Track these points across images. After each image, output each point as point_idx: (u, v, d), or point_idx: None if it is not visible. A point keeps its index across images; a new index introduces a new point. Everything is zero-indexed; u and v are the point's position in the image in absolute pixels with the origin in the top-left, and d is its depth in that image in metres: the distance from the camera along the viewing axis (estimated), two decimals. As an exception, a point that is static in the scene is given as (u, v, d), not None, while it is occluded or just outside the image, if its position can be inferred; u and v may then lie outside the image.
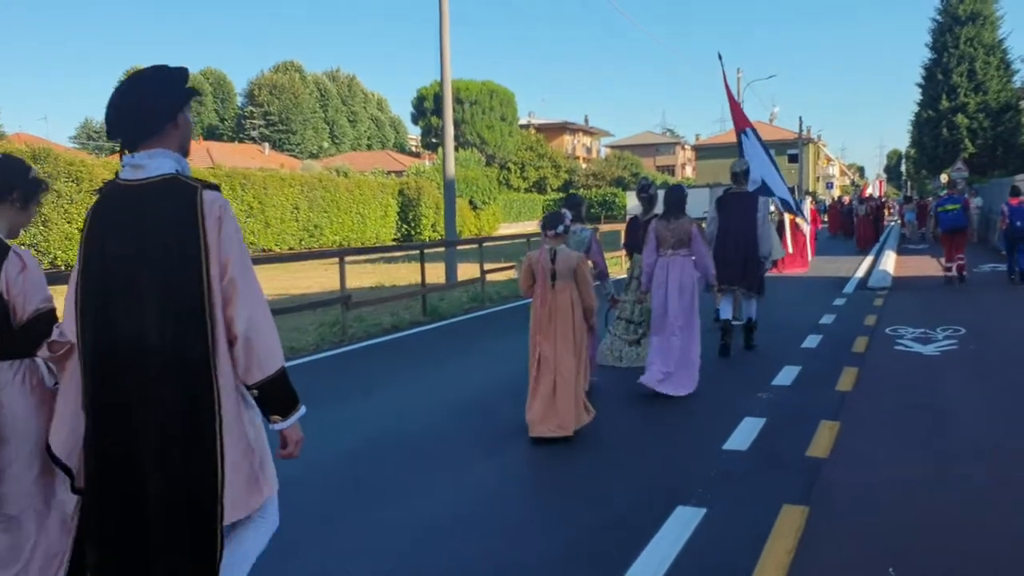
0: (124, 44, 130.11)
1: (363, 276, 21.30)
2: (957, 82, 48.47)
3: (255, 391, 2.64)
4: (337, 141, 73.82)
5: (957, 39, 48.91)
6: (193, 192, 2.59)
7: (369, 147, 74.73)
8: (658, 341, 7.32)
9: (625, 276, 9.89)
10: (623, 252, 13.98)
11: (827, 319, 11.55)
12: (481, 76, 70.18)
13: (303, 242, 37.46)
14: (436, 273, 17.62)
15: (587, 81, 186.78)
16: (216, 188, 2.66)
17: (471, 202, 48.29)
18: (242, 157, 50.41)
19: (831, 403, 6.86)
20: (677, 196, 7.68)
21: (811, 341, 9.82)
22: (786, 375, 7.95)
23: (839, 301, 13.50)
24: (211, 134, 70.73)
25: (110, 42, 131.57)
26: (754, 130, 16.48)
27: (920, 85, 52.11)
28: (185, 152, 2.77)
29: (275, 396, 2.67)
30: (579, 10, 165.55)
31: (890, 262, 19.52)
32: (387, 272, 23.10)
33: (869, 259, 22.48)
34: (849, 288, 15.53)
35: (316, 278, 21.09)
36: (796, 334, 10.26)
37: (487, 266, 15.37)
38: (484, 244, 16.08)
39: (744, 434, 5.96)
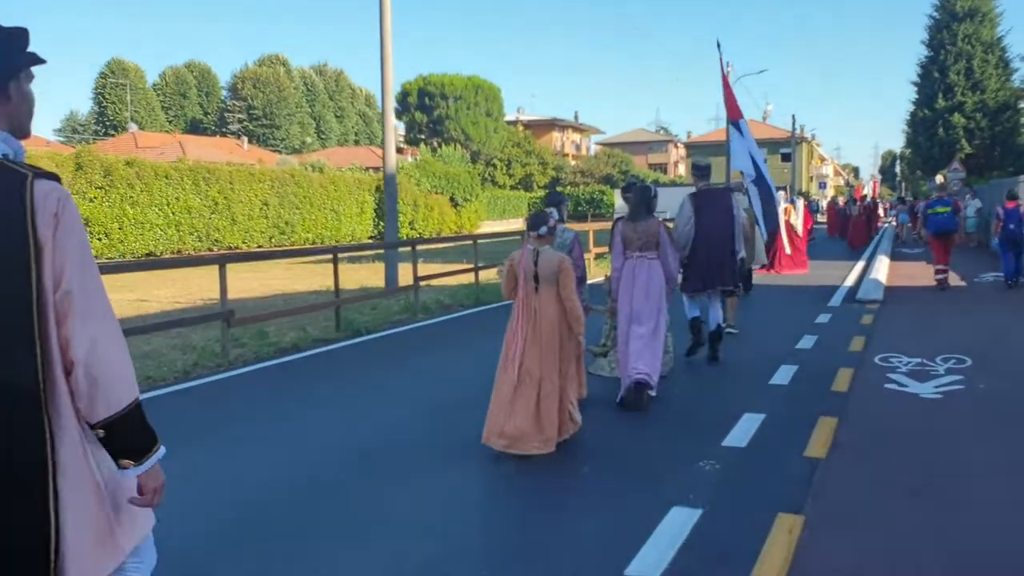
0: (105, 35, 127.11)
1: (313, 278, 19.43)
2: (954, 80, 46.87)
3: (100, 431, 2.18)
4: (323, 137, 71.88)
5: (955, 36, 47.31)
6: (22, 181, 2.12)
7: (357, 143, 72.74)
8: (627, 340, 6.92)
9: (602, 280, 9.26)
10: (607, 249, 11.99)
11: (806, 342, 9.65)
12: (470, 71, 68.29)
13: (273, 239, 35.53)
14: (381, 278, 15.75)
15: (580, 78, 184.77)
16: (55, 178, 2.17)
17: (452, 199, 46.36)
18: (218, 152, 48.42)
19: (794, 481, 4.96)
20: (643, 196, 7.25)
21: (783, 375, 7.92)
22: (742, 430, 6.05)
23: (823, 318, 11.59)
24: (195, 128, 68.81)
25: (90, 33, 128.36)
26: (744, 123, 15.55)
27: (916, 83, 50.46)
28: (19, 132, 2.25)
29: (127, 436, 2.23)
30: (573, 6, 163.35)
31: (882, 269, 17.63)
32: (348, 273, 21.17)
33: (861, 264, 20.60)
34: (836, 300, 13.63)
35: (278, 276, 19.22)
36: (766, 364, 8.37)
37: (445, 268, 13.48)
38: (434, 245, 14.14)
39: (666, 540, 4.08)
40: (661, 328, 7.06)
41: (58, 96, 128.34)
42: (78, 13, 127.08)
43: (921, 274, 17.96)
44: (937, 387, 7.32)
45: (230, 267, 9.64)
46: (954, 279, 16.27)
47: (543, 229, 5.61)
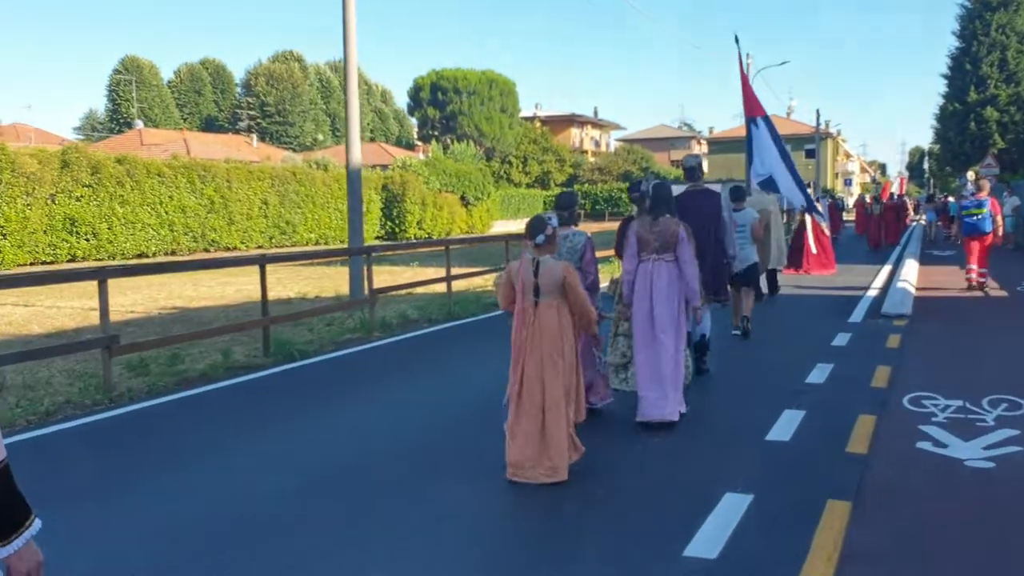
0: (121, 31, 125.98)
1: (298, 283, 17.89)
2: (987, 72, 44.72)
3: None
4: (338, 134, 70.32)
5: (988, 26, 45.14)
6: None
7: (372, 140, 71.19)
8: (645, 358, 6.33)
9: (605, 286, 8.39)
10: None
11: (818, 374, 7.85)
12: (487, 67, 66.26)
13: (274, 240, 34.17)
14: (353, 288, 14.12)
15: (600, 73, 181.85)
16: None
17: (463, 198, 44.72)
18: (225, 149, 47.10)
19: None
20: (663, 193, 6.57)
21: (785, 425, 6.15)
22: (723, 518, 4.32)
23: (841, 338, 9.76)
24: (209, 125, 67.67)
25: (106, 30, 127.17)
26: (767, 119, 13.98)
27: (946, 76, 48.24)
28: None
29: None
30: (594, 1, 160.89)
31: (911, 276, 15.71)
32: (327, 280, 19.62)
33: (887, 268, 18.66)
34: (858, 314, 11.77)
35: (242, 285, 17.71)
36: (768, 407, 6.61)
37: (420, 275, 11.78)
38: (400, 251, 12.47)
39: None
40: (681, 340, 6.40)
41: (77, 94, 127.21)
42: (97, 9, 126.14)
43: (954, 281, 16.02)
44: (987, 448, 5.52)
45: (203, 270, 8.01)
46: (993, 287, 14.35)
47: (540, 238, 5.06)
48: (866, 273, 17.80)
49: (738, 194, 10.44)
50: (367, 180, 39.02)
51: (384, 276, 16.89)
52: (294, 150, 56.40)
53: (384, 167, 43.96)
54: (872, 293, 14.17)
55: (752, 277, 10.12)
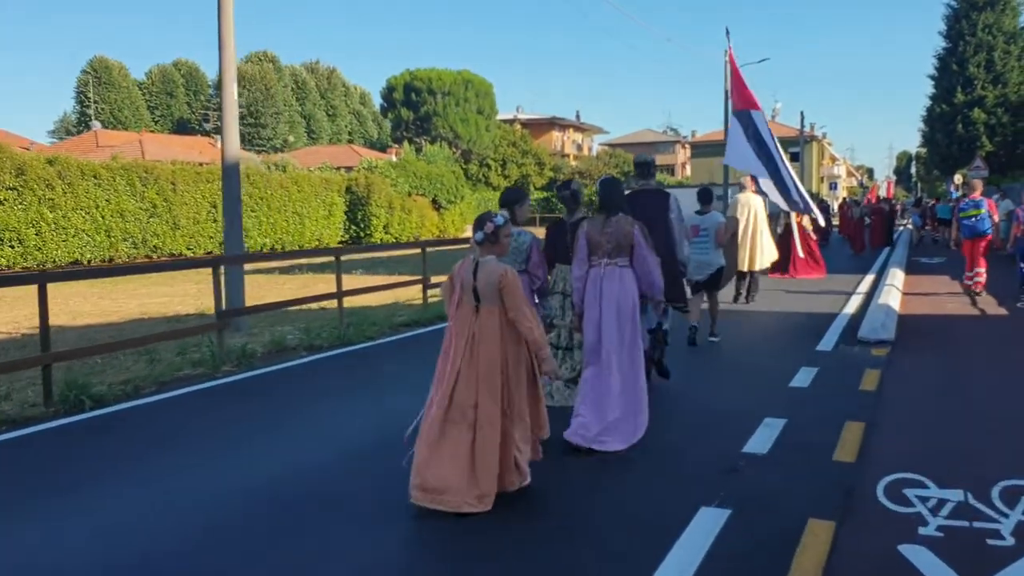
0: (90, 33, 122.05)
1: (190, 300, 15.67)
2: (974, 73, 42.98)
3: None
4: (314, 136, 68.05)
5: (974, 26, 43.43)
6: None
7: (350, 142, 68.89)
8: (592, 375, 5.59)
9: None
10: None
11: (763, 438, 5.61)
12: (472, 68, 63.60)
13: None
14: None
15: (583, 78, 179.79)
16: None
17: (435, 201, 42.48)
18: (187, 151, 44.75)
19: None
20: (614, 190, 5.91)
21: (693, 544, 3.91)
22: None
23: (802, 377, 7.53)
24: (182, 128, 65.26)
25: (80, 30, 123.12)
26: (748, 114, 13.28)
27: (933, 77, 46.38)
28: None
29: None
30: (578, 5, 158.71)
31: (895, 289, 13.54)
32: (267, 288, 17.34)
33: (870, 278, 16.51)
34: (829, 339, 9.56)
35: (173, 294, 15.48)
36: (677, 502, 4.42)
37: (318, 287, 9.48)
38: (275, 263, 10.27)
39: None
40: (638, 353, 5.72)
41: (52, 97, 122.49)
42: (70, 11, 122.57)
43: (944, 295, 13.86)
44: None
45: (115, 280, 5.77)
46: (992, 305, 12.20)
47: (479, 235, 4.52)
48: (846, 283, 15.65)
49: (705, 197, 9.81)
50: (328, 182, 36.83)
51: (290, 287, 14.69)
52: (266, 152, 54.10)
53: (349, 170, 41.70)
54: (850, 309, 11.99)
55: (717, 283, 9.62)
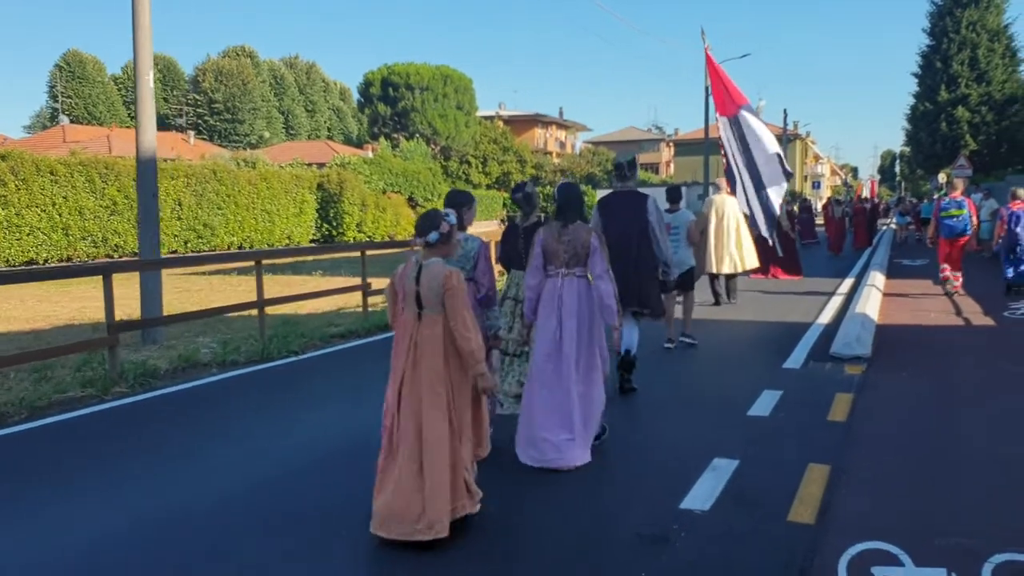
0: (68, 26, 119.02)
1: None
2: (958, 71, 42.35)
3: None
4: (293, 133, 66.74)
5: (958, 23, 42.78)
6: None
7: (329, 139, 67.61)
8: (549, 396, 5.16)
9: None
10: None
11: (707, 486, 4.64)
12: (454, 65, 62.23)
13: (190, 244, 30.74)
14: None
15: (568, 74, 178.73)
16: None
17: (411, 199, 41.41)
18: (158, 147, 43.52)
19: None
20: (571, 195, 5.54)
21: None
22: None
23: (763, 403, 6.55)
24: (159, 123, 63.78)
25: (55, 23, 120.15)
26: (733, 118, 12.14)
27: (917, 75, 45.70)
28: None
29: None
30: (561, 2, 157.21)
31: (875, 295, 12.64)
32: (208, 293, 16.32)
33: (849, 282, 15.62)
34: (799, 355, 8.61)
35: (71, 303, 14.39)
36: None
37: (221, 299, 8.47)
38: (188, 268, 9.33)
39: None
40: (597, 369, 5.36)
41: (30, 91, 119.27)
42: (48, 3, 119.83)
43: (927, 300, 12.97)
44: None
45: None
46: (978, 314, 11.31)
47: (433, 235, 4.09)
48: (824, 287, 14.76)
49: (674, 195, 9.60)
50: (300, 179, 35.73)
51: (243, 290, 13.63)
52: (242, 148, 52.85)
53: (321, 166, 40.57)
54: (825, 318, 11.07)
55: (691, 282, 9.44)
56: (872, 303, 11.60)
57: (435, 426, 4.00)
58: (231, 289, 17.11)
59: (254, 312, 11.81)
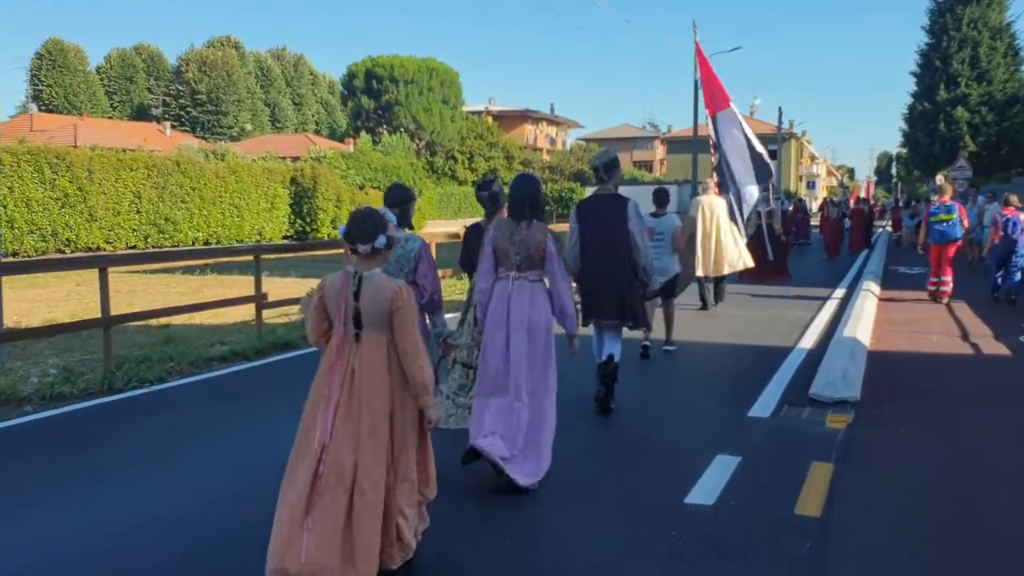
0: (42, 17, 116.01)
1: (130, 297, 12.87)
2: (958, 70, 40.79)
3: None
4: (279, 125, 64.79)
5: (959, 21, 41.19)
6: None
7: (317, 132, 65.71)
8: (496, 405, 4.69)
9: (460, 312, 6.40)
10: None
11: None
12: (450, 61, 60.34)
13: (150, 239, 28.92)
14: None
15: (560, 69, 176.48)
16: None
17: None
18: (127, 137, 41.63)
19: None
20: (525, 190, 4.96)
21: None
22: None
23: (711, 481, 4.69)
24: (141, 114, 61.98)
25: (26, 15, 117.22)
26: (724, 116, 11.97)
27: (915, 74, 44.06)
28: None
29: None
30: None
31: (867, 313, 10.85)
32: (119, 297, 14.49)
33: (839, 293, 13.84)
34: (771, 395, 6.80)
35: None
36: None
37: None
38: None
39: None
40: (549, 385, 4.79)
41: (13, 79, 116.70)
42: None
43: (927, 315, 11.19)
44: None
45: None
46: (987, 338, 9.50)
47: (381, 240, 3.43)
48: (812, 299, 12.99)
49: (661, 199, 8.91)
50: (271, 173, 33.94)
51: (177, 292, 11.83)
52: (225, 141, 51.01)
53: (295, 159, 38.75)
54: (809, 342, 9.27)
55: (673, 290, 8.89)
56: (863, 323, 9.80)
57: (371, 468, 3.41)
58: (161, 291, 15.34)
59: (162, 321, 10.12)
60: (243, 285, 16.02)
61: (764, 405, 6.49)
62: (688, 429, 5.94)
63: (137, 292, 15.17)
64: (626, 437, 5.77)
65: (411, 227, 5.04)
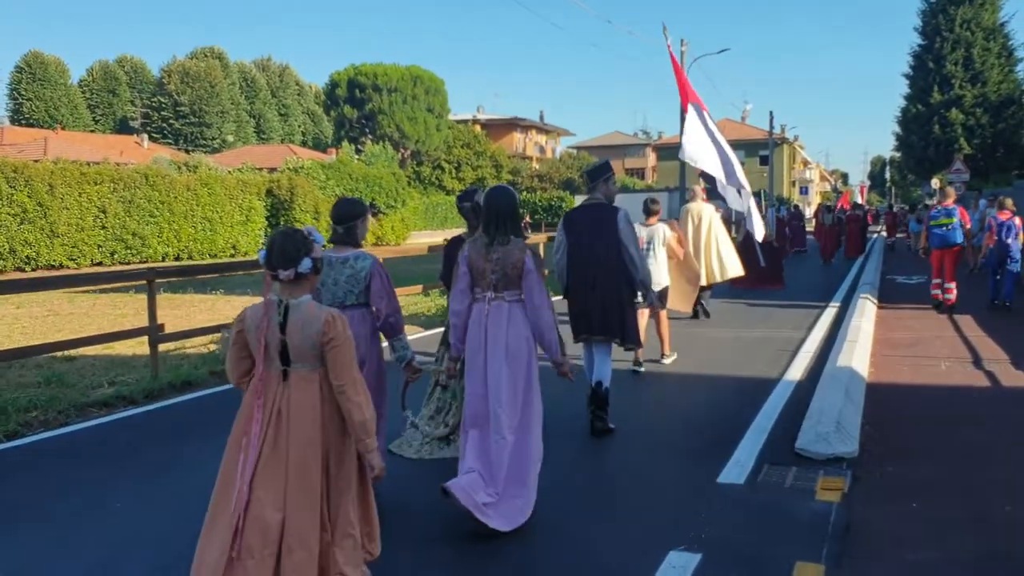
0: (28, 25, 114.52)
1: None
2: (951, 71, 39.81)
3: None
4: (264, 137, 63.54)
5: (952, 21, 40.24)
6: None
7: (304, 143, 64.45)
8: (478, 438, 4.37)
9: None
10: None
11: None
12: (438, 70, 59.09)
13: (117, 255, 27.64)
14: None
15: (551, 78, 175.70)
16: None
17: (372, 205, 38.33)
18: (102, 150, 40.33)
19: None
20: (501, 203, 4.54)
21: None
22: None
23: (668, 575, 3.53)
24: (124, 127, 60.69)
25: (6, 28, 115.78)
26: (699, 108, 11.50)
27: (908, 76, 43.05)
28: None
29: None
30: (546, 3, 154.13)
31: (863, 335, 9.56)
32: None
33: (831, 312, 12.57)
34: (749, 450, 5.50)
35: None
36: None
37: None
38: None
39: None
40: (533, 415, 4.39)
41: None
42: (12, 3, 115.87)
43: (931, 334, 9.91)
44: None
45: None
46: (1005, 364, 8.19)
47: (305, 264, 3.09)
48: (804, 315, 11.74)
49: (651, 208, 8.54)
50: (246, 185, 32.70)
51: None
52: (207, 153, 49.76)
53: (272, 170, 37.49)
54: (797, 372, 7.97)
55: (663, 302, 8.38)
56: (860, 348, 8.50)
57: (302, 524, 3.02)
58: (109, 313, 14.06)
59: (60, 353, 8.81)
60: (200, 305, 14.75)
61: (739, 464, 5.17)
62: (637, 507, 4.61)
63: (77, 315, 13.87)
64: (544, 522, 4.46)
65: (358, 244, 4.53)
